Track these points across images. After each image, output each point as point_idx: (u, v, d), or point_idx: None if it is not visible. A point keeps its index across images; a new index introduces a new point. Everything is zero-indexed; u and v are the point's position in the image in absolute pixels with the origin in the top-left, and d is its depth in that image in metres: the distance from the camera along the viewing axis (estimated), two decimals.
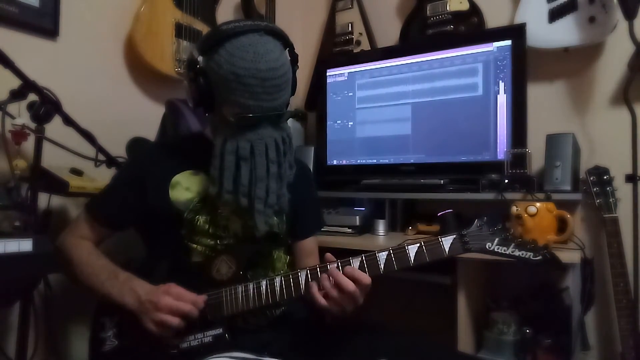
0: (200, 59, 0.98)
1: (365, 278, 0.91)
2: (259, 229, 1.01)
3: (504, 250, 0.89)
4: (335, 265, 0.94)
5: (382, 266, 0.92)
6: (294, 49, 1.05)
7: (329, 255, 0.97)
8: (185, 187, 1.08)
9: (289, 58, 1.02)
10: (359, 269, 0.92)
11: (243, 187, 0.99)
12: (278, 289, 0.96)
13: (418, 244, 0.92)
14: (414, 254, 0.91)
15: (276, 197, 1.02)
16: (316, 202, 1.34)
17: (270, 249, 1.14)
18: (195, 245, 1.07)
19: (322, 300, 0.92)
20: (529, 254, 0.89)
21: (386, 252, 0.92)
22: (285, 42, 1.02)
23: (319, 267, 0.95)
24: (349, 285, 0.90)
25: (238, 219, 1.08)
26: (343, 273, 0.91)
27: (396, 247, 0.93)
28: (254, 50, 0.94)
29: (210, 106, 1.02)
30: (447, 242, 0.91)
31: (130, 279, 1.00)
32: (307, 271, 0.96)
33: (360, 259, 0.93)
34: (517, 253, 0.89)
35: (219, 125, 1.04)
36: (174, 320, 0.93)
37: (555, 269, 0.91)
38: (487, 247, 0.90)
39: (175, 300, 0.94)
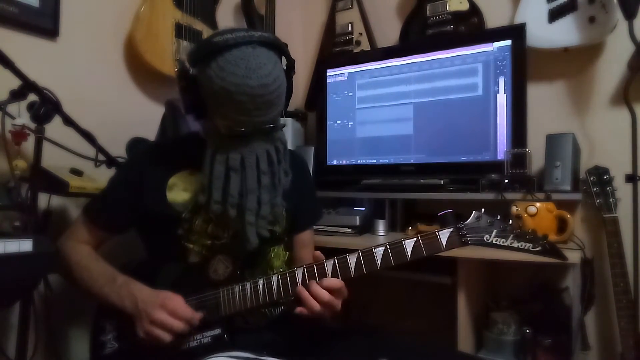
0: (191, 69, 0.96)
1: (335, 283, 0.92)
2: (250, 241, 1.00)
3: (503, 242, 0.88)
4: (332, 264, 0.94)
5: (379, 262, 0.92)
6: (290, 55, 1.03)
7: (317, 253, 0.97)
8: (182, 188, 1.08)
9: (284, 67, 1.00)
10: (355, 264, 0.93)
11: (232, 198, 0.97)
12: (275, 287, 0.96)
13: (415, 239, 0.91)
14: (410, 248, 0.91)
15: (270, 207, 1.01)
16: (313, 194, 1.34)
17: (267, 247, 1.14)
18: (192, 246, 1.07)
19: (298, 307, 0.94)
20: (528, 244, 0.87)
21: (383, 248, 0.92)
22: (280, 51, 1.00)
23: (315, 265, 0.95)
24: (324, 294, 0.92)
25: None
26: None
27: (393, 242, 0.92)
28: (245, 65, 0.90)
29: (201, 115, 1.02)
30: (444, 235, 0.90)
31: (128, 282, 1.00)
32: (304, 269, 0.96)
33: (357, 255, 0.93)
34: (515, 244, 0.87)
35: (210, 132, 1.03)
36: (165, 336, 0.93)
37: (556, 259, 0.89)
38: (485, 239, 0.88)
39: (170, 315, 0.94)
